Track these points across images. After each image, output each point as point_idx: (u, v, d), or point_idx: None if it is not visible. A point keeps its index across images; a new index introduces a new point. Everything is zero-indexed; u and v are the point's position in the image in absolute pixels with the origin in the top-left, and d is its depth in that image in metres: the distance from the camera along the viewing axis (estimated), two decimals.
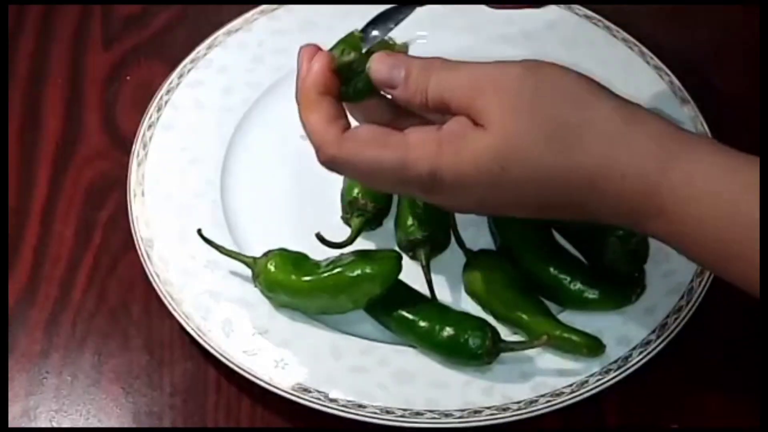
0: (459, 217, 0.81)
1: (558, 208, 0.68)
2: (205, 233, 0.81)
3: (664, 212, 0.65)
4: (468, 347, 0.75)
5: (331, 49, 0.71)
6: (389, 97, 0.71)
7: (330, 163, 0.69)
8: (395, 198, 0.83)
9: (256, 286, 0.78)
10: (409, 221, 0.80)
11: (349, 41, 0.71)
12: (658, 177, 0.65)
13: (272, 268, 0.77)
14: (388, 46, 0.71)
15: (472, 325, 0.76)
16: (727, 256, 0.65)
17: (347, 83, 0.71)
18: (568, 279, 0.78)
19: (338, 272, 0.76)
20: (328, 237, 0.77)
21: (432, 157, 0.67)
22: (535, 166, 0.66)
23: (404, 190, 0.71)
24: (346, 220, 0.81)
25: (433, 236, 0.80)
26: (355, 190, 0.81)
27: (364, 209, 0.81)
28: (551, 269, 0.78)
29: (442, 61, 0.69)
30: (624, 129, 0.66)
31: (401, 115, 0.71)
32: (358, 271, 0.75)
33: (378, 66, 0.70)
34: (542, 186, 0.66)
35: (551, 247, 0.80)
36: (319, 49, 0.71)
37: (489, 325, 0.76)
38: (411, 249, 0.80)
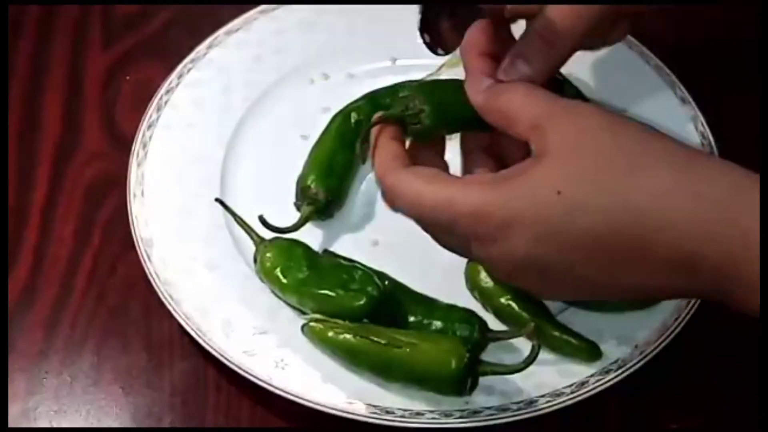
0: None
1: (620, 253, 0.62)
2: (205, 233, 0.81)
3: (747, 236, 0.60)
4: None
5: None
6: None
7: (388, 190, 0.67)
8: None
9: (255, 265, 0.79)
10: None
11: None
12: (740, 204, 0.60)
13: (267, 263, 0.78)
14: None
15: (459, 317, 0.76)
16: None
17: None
18: None
19: (315, 293, 0.76)
20: (330, 238, 0.78)
21: (482, 192, 0.64)
22: (601, 189, 0.62)
23: (452, 234, 0.66)
24: (298, 207, 0.82)
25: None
26: (310, 178, 0.82)
27: (315, 198, 0.81)
28: None
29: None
30: (704, 157, 0.63)
31: None
32: (333, 296, 0.75)
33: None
34: (606, 215, 0.61)
35: None
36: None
37: (476, 315, 0.76)
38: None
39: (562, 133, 0.64)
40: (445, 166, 0.70)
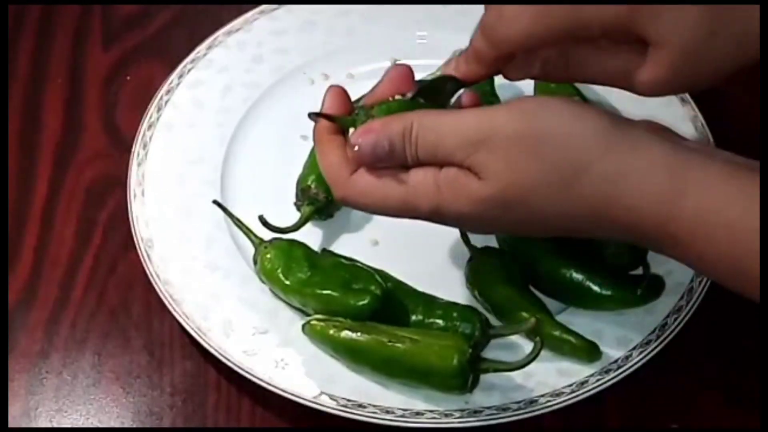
0: None
1: (568, 232, 0.69)
2: (205, 233, 0.81)
3: (678, 241, 0.64)
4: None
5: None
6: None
7: (342, 201, 0.70)
8: None
9: (255, 267, 0.79)
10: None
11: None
12: (669, 208, 0.64)
13: (267, 264, 0.78)
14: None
15: (461, 314, 0.76)
16: (735, 271, 0.64)
17: None
18: (583, 278, 0.77)
19: (318, 293, 0.76)
20: (330, 238, 0.78)
21: (431, 198, 0.67)
22: (538, 209, 0.66)
23: (414, 218, 0.70)
24: (298, 207, 0.82)
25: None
26: (310, 179, 0.82)
27: (316, 198, 0.81)
28: (568, 269, 0.78)
29: (419, 117, 0.67)
30: (628, 158, 0.65)
31: None
32: (336, 296, 0.75)
33: (361, 149, 0.68)
34: (548, 221, 0.67)
35: (562, 245, 0.79)
36: (343, 91, 0.71)
37: (477, 312, 0.76)
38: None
39: (491, 161, 0.66)
40: None
